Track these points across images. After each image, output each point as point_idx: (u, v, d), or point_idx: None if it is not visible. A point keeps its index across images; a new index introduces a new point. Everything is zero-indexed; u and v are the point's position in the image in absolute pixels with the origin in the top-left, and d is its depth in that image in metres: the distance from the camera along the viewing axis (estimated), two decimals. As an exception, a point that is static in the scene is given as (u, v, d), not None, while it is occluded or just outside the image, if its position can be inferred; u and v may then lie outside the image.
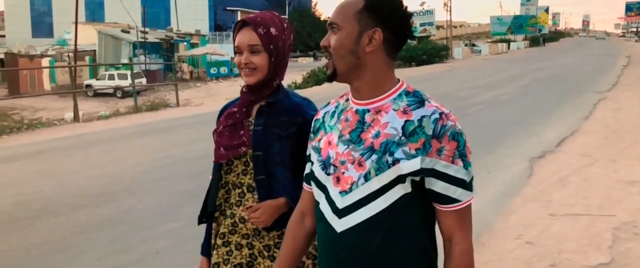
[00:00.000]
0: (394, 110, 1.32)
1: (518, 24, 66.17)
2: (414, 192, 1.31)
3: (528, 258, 3.99)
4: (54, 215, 5.26)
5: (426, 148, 1.27)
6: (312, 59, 48.77)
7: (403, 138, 1.28)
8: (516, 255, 4.06)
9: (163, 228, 4.79)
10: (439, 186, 1.29)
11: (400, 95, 1.34)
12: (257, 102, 1.85)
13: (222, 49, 36.38)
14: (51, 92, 19.44)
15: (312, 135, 1.51)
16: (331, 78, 1.38)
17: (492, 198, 5.49)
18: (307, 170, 1.52)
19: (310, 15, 58.18)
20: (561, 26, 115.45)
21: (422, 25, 48.34)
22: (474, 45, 57.63)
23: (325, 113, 1.49)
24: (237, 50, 1.82)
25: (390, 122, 1.31)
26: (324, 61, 35.44)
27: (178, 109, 15.88)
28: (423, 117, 1.28)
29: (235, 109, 1.87)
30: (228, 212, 1.88)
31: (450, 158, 1.28)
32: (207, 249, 1.96)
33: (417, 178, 1.29)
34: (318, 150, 1.44)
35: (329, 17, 1.41)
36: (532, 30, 66.18)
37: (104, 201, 5.69)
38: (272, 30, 1.79)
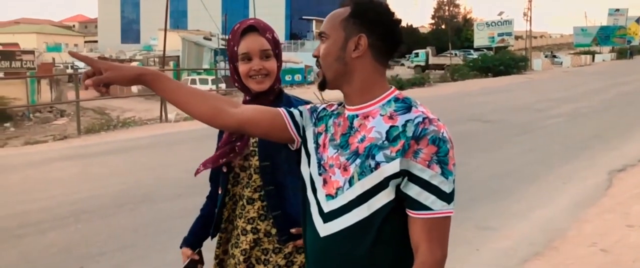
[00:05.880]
0: (381, 115, 1.33)
1: (604, 35, 62.69)
2: (398, 200, 1.29)
3: (601, 265, 4.06)
4: (154, 202, 5.89)
5: (405, 149, 1.26)
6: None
7: (386, 142, 1.29)
8: (589, 261, 4.14)
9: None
10: (413, 191, 1.27)
11: (389, 101, 1.34)
12: None
13: (297, 57, 37.39)
14: (137, 94, 20.88)
15: (313, 118, 1.47)
16: (321, 86, 1.40)
17: (566, 207, 5.54)
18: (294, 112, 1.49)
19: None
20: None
21: (500, 35, 47.08)
22: (554, 56, 55.38)
23: (332, 111, 1.46)
24: (245, 57, 1.74)
25: (375, 126, 1.32)
26: (395, 69, 35.47)
27: (256, 112, 16.57)
28: (408, 121, 1.28)
29: None
30: (235, 223, 1.85)
31: (427, 162, 1.25)
32: (190, 240, 1.95)
33: (400, 183, 1.28)
34: (316, 141, 1.44)
35: None
36: (619, 42, 62.57)
37: (195, 192, 6.14)
38: (275, 35, 1.79)
